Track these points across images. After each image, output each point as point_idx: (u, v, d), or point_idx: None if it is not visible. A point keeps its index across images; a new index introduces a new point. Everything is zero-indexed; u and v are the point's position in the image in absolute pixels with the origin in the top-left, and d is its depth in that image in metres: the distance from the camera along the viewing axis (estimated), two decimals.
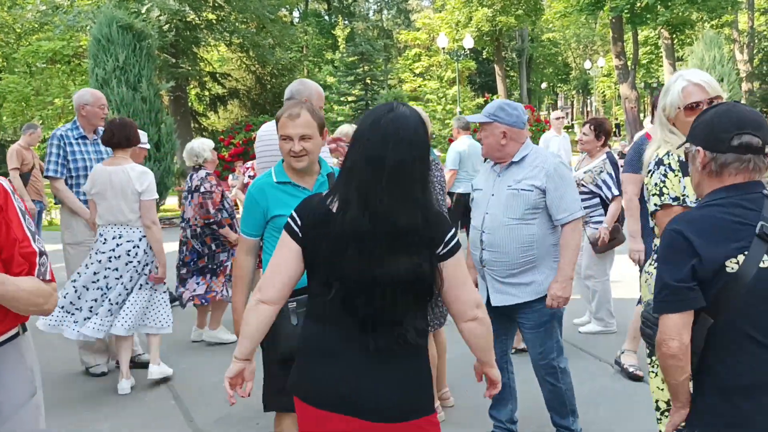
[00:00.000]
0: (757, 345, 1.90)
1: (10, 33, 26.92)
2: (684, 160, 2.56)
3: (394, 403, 2.01)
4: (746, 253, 1.85)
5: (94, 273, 4.74)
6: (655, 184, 2.69)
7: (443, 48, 30.20)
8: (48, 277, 2.05)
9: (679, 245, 1.94)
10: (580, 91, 58.67)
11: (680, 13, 26.86)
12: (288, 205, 2.91)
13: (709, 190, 2.03)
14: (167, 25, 17.73)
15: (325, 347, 2.08)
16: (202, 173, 5.89)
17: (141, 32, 13.29)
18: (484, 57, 41.86)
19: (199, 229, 5.86)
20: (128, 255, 4.75)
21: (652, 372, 2.66)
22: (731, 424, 1.92)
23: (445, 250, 2.01)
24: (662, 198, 2.65)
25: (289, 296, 2.15)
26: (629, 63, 31.02)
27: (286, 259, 2.11)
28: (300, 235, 2.09)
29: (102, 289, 4.75)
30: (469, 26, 35.70)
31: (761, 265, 1.86)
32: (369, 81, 27.66)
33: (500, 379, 2.29)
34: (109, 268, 4.73)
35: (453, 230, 2.05)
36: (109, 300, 4.73)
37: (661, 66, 33.90)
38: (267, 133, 3.61)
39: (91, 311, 4.74)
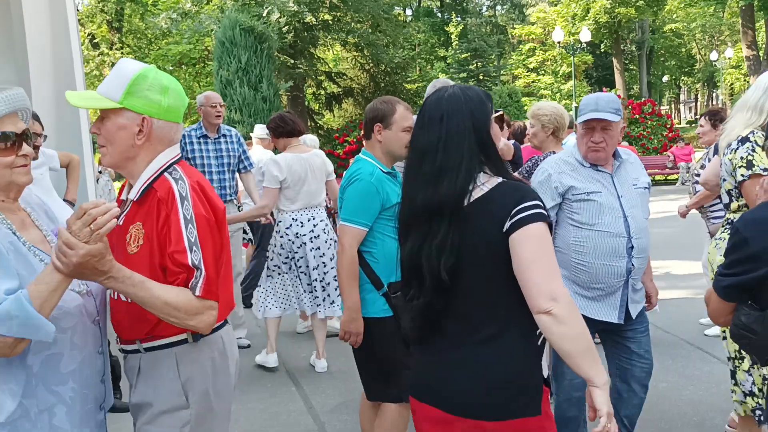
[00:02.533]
0: None
1: (142, 38, 28.72)
2: None
3: (461, 397, 1.93)
4: None
5: (304, 255, 5.05)
6: (742, 158, 3.05)
7: (558, 42, 29.52)
8: (199, 293, 1.89)
9: (737, 241, 1.94)
10: (706, 84, 55.67)
11: None
12: (398, 194, 3.02)
13: None
14: (286, 27, 18.35)
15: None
16: None
17: (262, 34, 13.83)
18: (602, 50, 40.57)
19: None
20: (324, 233, 5.10)
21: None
22: None
23: (509, 224, 1.85)
24: (753, 169, 3.01)
25: None
26: (761, 53, 29.14)
27: None
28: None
29: (318, 269, 5.04)
30: (586, 19, 34.71)
31: None
32: (482, 77, 27.54)
33: (605, 409, 1.81)
34: (313, 249, 5.04)
35: (528, 203, 1.86)
36: (332, 278, 5.02)
37: None
38: None
39: (321, 291, 5.04)
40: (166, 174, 2.00)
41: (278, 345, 5.42)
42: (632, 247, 3.11)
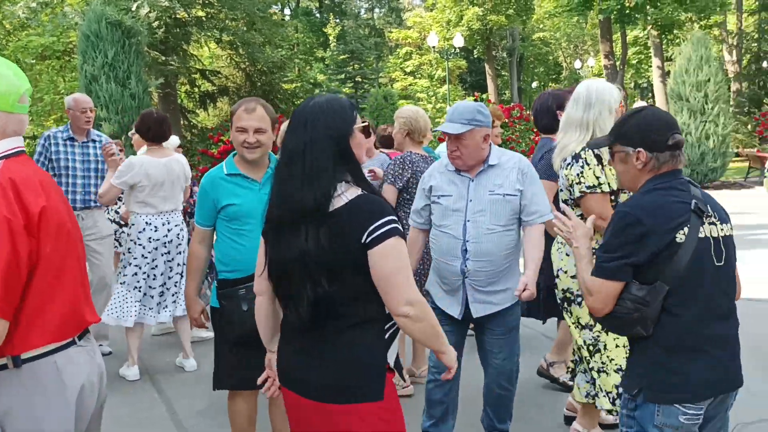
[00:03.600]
0: (691, 309, 2.20)
1: None
2: (598, 154, 3.25)
3: (318, 383, 2.08)
4: (688, 225, 2.19)
5: (153, 260, 4.98)
6: (577, 174, 3.28)
7: (434, 47, 30.33)
8: None
9: (629, 222, 2.23)
10: None
11: (669, 14, 27.01)
12: (237, 195, 3.12)
13: (644, 180, 2.34)
14: (157, 22, 17.71)
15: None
16: None
17: (130, 29, 13.29)
18: (475, 56, 41.96)
19: None
20: (178, 238, 5.07)
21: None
22: (672, 383, 2.20)
23: (369, 239, 2.00)
24: (580, 186, 3.26)
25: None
26: (618, 63, 31.19)
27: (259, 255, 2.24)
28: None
29: (164, 275, 5.04)
30: (460, 25, 35.74)
31: (700, 235, 2.21)
32: (359, 79, 27.79)
33: (454, 363, 2.22)
34: (164, 254, 5.00)
35: (384, 218, 2.01)
36: (175, 284, 5.09)
37: (650, 66, 34.01)
38: None
39: (161, 296, 5.05)
40: None
41: (139, 348, 5.26)
42: (467, 250, 3.29)
